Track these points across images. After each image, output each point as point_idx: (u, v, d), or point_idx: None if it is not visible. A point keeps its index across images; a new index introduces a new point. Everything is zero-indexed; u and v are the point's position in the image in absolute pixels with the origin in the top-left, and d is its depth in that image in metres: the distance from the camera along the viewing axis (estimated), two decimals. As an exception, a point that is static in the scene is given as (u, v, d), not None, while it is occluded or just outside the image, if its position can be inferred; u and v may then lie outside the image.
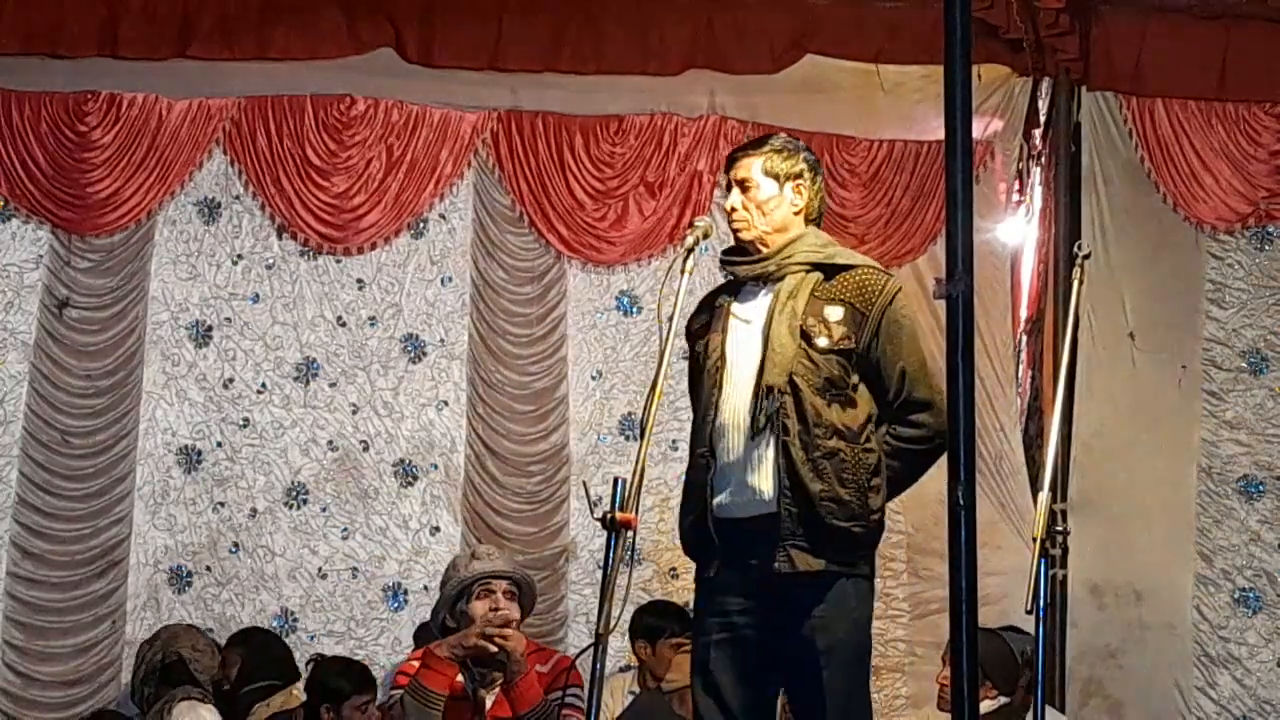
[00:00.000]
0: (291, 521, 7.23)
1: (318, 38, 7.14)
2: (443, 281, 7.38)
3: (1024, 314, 7.50)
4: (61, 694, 6.96)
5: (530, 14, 7.16)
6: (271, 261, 7.32)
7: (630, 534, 3.74)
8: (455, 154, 7.32)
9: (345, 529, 7.24)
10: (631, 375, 7.35)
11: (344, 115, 7.25)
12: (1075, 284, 4.58)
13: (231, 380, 7.26)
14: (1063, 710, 6.75)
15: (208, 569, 7.18)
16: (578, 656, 4.84)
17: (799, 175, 4.15)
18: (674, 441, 7.06)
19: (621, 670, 6.82)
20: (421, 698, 4.54)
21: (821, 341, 3.96)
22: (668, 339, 3.91)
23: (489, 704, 4.64)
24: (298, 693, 6.52)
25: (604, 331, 7.41)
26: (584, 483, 6.93)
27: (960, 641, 2.29)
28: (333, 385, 7.30)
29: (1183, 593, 7.03)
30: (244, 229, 7.32)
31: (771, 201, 4.12)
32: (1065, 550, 6.66)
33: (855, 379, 3.99)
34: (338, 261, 7.34)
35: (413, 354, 7.34)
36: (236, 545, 7.19)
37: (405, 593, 7.21)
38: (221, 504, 7.21)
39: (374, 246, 7.32)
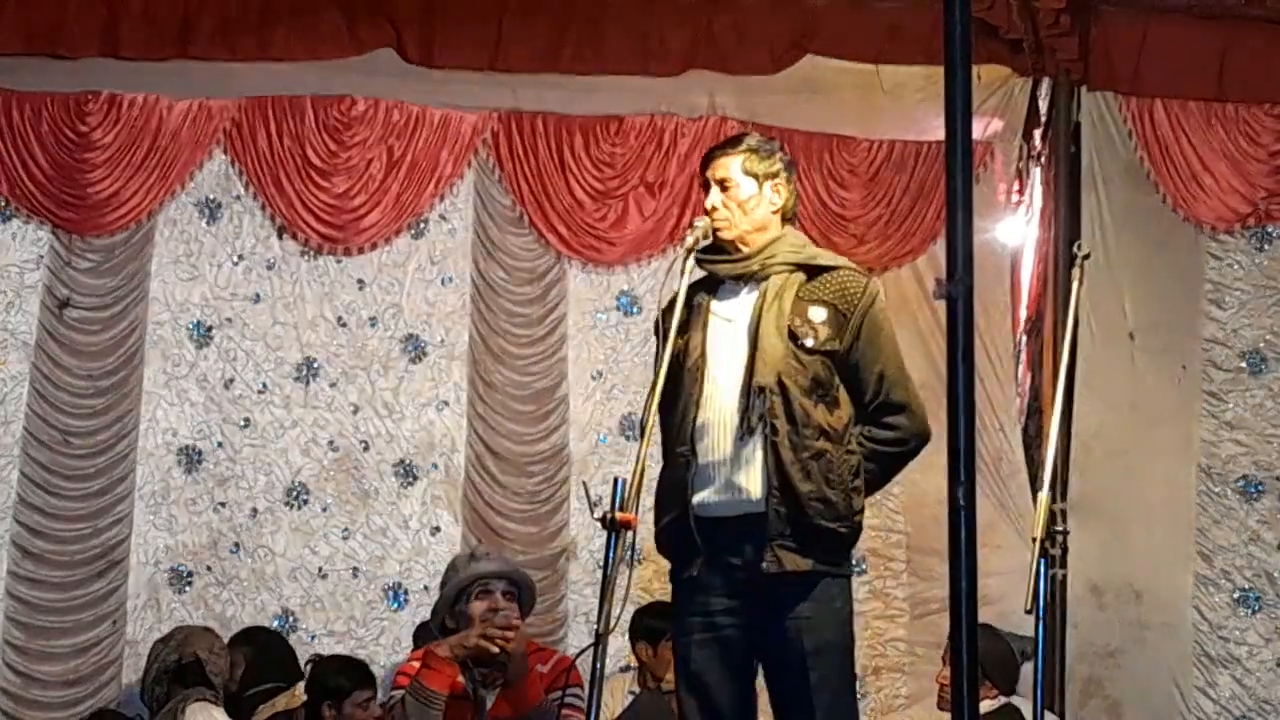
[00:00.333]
0: (292, 521, 7.23)
1: (318, 38, 7.14)
2: (443, 282, 7.38)
3: (1024, 314, 7.50)
4: (62, 694, 6.96)
5: (530, 14, 7.16)
6: (272, 262, 7.32)
7: (630, 534, 3.73)
8: (455, 154, 7.32)
9: (345, 529, 7.24)
10: (632, 375, 7.35)
11: (344, 116, 7.25)
12: (1075, 284, 4.58)
13: (232, 380, 7.26)
14: (1062, 711, 6.75)
15: (208, 569, 7.18)
16: (578, 656, 4.84)
17: (776, 174, 4.17)
18: (674, 441, 7.06)
19: (622, 670, 6.82)
20: (422, 697, 4.54)
21: (809, 342, 3.98)
22: (668, 339, 3.91)
23: (489, 704, 4.64)
24: (300, 693, 6.52)
25: (604, 332, 7.41)
26: (584, 483, 6.93)
27: (960, 641, 2.29)
28: (333, 385, 7.30)
29: (1183, 593, 7.02)
30: (244, 229, 7.32)
31: (752, 200, 4.14)
32: (1065, 550, 6.61)
33: (838, 380, 4.02)
34: (338, 262, 7.34)
35: (413, 354, 7.35)
36: (237, 545, 7.20)
37: (405, 593, 7.22)
38: (222, 504, 7.21)
39: (374, 247, 7.33)
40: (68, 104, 7.11)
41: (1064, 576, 6.80)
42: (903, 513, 7.21)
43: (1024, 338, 7.50)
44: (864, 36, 7.19)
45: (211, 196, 7.30)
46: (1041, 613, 4.09)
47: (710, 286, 4.14)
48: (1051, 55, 7.18)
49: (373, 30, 7.14)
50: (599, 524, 3.71)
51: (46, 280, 7.13)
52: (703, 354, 4.05)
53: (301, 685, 6.40)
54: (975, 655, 2.31)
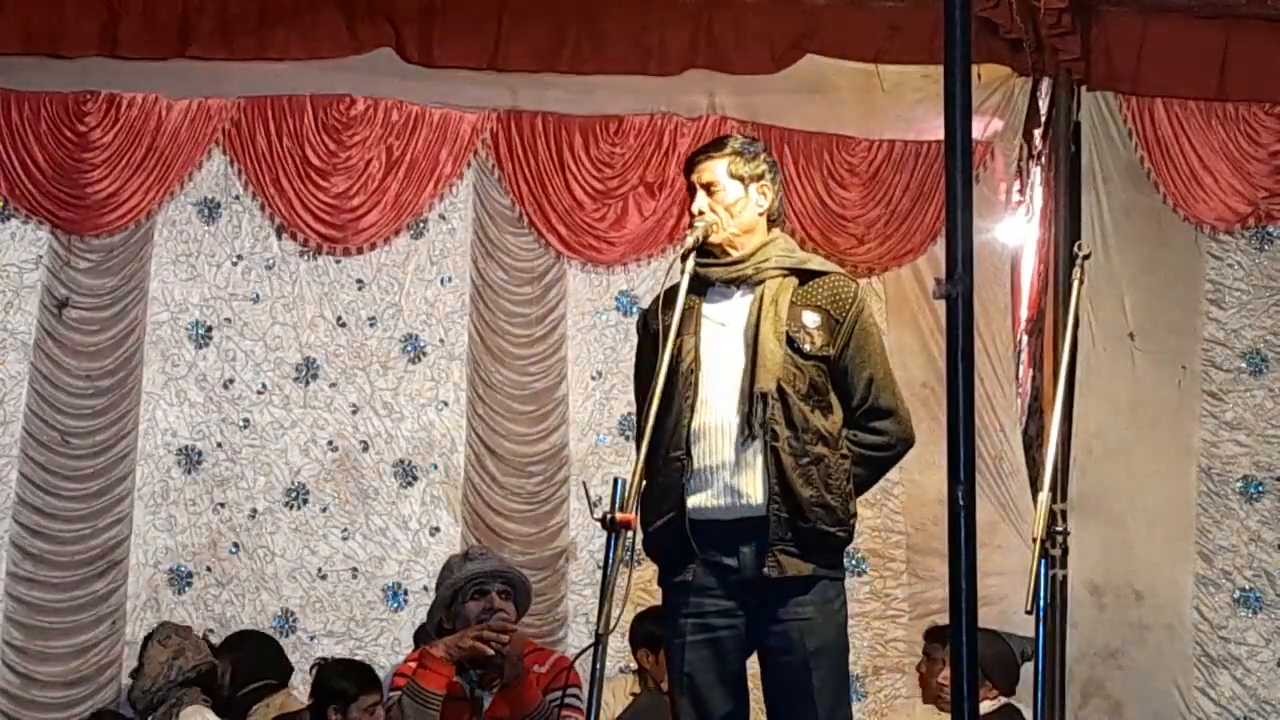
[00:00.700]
0: (291, 522, 7.23)
1: (318, 38, 7.14)
2: (442, 282, 7.38)
3: (1024, 314, 7.50)
4: (61, 694, 6.96)
5: (530, 14, 7.16)
6: (271, 262, 7.32)
7: (630, 534, 3.73)
8: (455, 154, 7.32)
9: (345, 529, 7.24)
10: (632, 376, 7.33)
11: (344, 115, 7.25)
12: (1075, 284, 4.58)
13: (231, 381, 7.26)
14: (1063, 711, 6.74)
15: (208, 569, 7.18)
16: (577, 657, 4.84)
17: (761, 176, 4.16)
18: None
19: (622, 671, 6.82)
20: (419, 698, 4.54)
21: (806, 347, 3.98)
22: (668, 340, 3.91)
23: (487, 705, 4.63)
24: (296, 691, 6.52)
25: (604, 332, 7.41)
26: (584, 483, 6.93)
27: (960, 641, 2.29)
28: (333, 385, 7.30)
29: (1183, 593, 7.02)
30: (244, 229, 7.32)
31: (739, 204, 4.13)
32: (1065, 550, 6.60)
33: (830, 385, 4.03)
34: (337, 262, 7.34)
35: (413, 354, 7.34)
36: (236, 546, 7.19)
37: (405, 593, 7.21)
38: (221, 504, 7.21)
39: (374, 247, 7.32)
40: (67, 104, 7.11)
41: (1064, 577, 6.79)
42: (903, 513, 7.21)
43: (1024, 338, 7.50)
44: (864, 36, 7.18)
45: (210, 196, 7.30)
46: (1042, 613, 4.09)
47: (699, 289, 4.13)
48: (1052, 55, 7.18)
49: (372, 30, 7.13)
50: (599, 524, 3.71)
51: (45, 280, 7.13)
52: (696, 358, 4.04)
53: (297, 685, 6.41)
54: (975, 655, 2.31)
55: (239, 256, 7.32)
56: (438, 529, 7.26)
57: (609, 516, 3.70)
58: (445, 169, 7.31)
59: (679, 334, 4.01)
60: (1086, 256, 4.61)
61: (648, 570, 7.22)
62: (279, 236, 7.31)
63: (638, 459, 3.81)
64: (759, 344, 3.98)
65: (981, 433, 6.99)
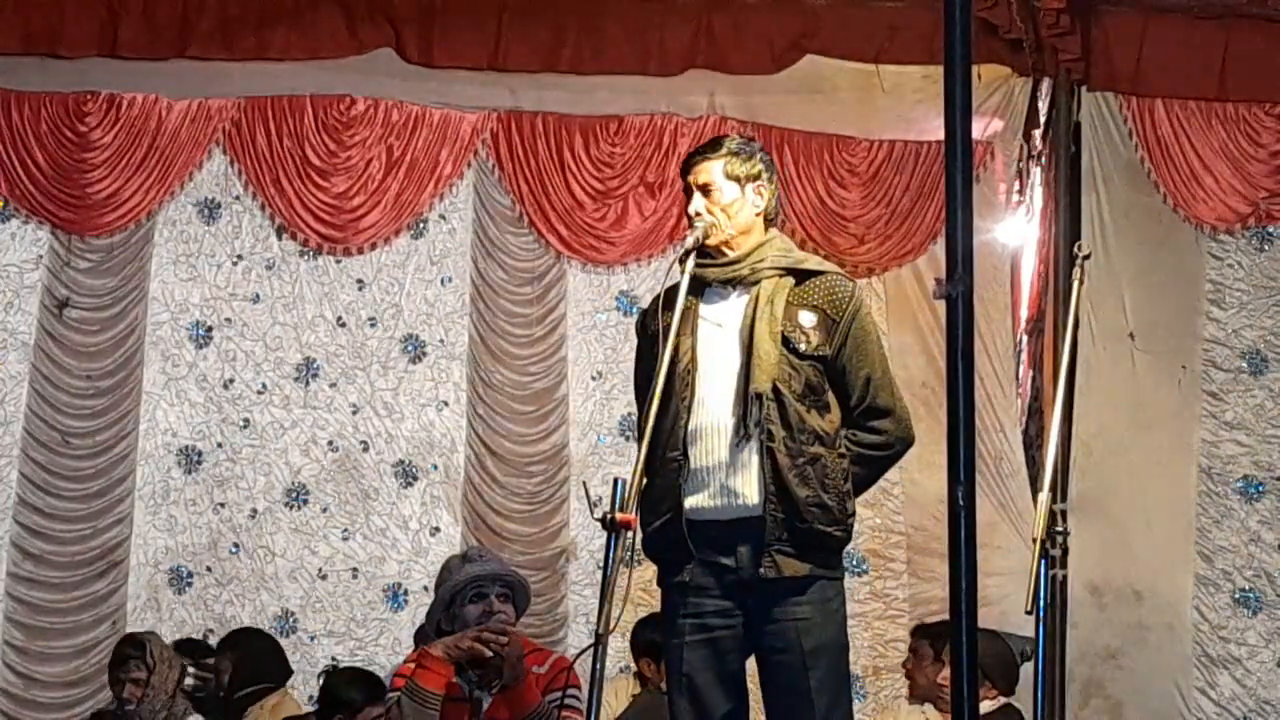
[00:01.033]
0: (292, 522, 7.23)
1: (318, 38, 7.15)
2: (443, 282, 7.38)
3: (1024, 314, 7.51)
4: (62, 694, 6.97)
5: (530, 14, 7.17)
6: (271, 262, 7.32)
7: (630, 534, 3.73)
8: (455, 154, 7.32)
9: (345, 529, 7.24)
10: (631, 376, 7.33)
11: (344, 115, 7.25)
12: (1075, 284, 4.57)
13: (231, 381, 7.26)
14: (1063, 712, 6.74)
15: (208, 569, 7.18)
16: (577, 657, 4.84)
17: (758, 176, 4.15)
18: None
19: (622, 671, 6.82)
20: (418, 698, 4.53)
21: (801, 347, 3.98)
22: (668, 340, 3.91)
23: (486, 705, 4.63)
24: (293, 692, 6.51)
25: (604, 331, 7.41)
26: (584, 483, 6.92)
27: (960, 641, 2.29)
28: (333, 385, 7.30)
29: (1183, 593, 7.02)
30: (244, 229, 7.32)
31: (735, 204, 4.11)
32: (1065, 551, 6.61)
33: (828, 384, 4.02)
34: (338, 262, 7.34)
35: (413, 354, 7.34)
36: (237, 546, 7.20)
37: (405, 593, 7.22)
38: (222, 504, 7.21)
39: (374, 247, 7.33)
40: (67, 104, 7.12)
41: (1064, 577, 6.79)
42: (903, 513, 7.21)
43: (1024, 338, 7.50)
44: (864, 36, 7.19)
45: (211, 196, 7.31)
46: (1042, 613, 4.09)
47: (696, 290, 4.12)
48: (1052, 55, 7.18)
49: (372, 30, 7.14)
50: (599, 524, 3.71)
51: (46, 280, 7.13)
52: (693, 358, 4.04)
53: (292, 683, 6.41)
54: (975, 655, 2.30)
55: (239, 256, 7.32)
56: (438, 529, 7.27)
57: (609, 516, 3.69)
58: (445, 169, 7.32)
59: (677, 335, 4.01)
60: (1086, 256, 4.60)
61: (648, 570, 7.22)
62: (279, 236, 7.31)
63: (638, 459, 3.81)
64: (754, 344, 3.97)
65: (981, 433, 6.99)
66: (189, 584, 7.16)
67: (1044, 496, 4.22)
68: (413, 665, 4.67)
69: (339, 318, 7.33)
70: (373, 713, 5.51)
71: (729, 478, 3.96)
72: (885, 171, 7.35)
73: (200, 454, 7.22)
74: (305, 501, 7.23)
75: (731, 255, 4.10)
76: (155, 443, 7.19)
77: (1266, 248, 7.20)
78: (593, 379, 7.38)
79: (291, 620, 7.15)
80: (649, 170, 7.33)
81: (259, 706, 6.30)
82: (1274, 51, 7.10)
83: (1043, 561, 4.08)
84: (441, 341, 7.36)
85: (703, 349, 4.05)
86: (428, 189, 7.32)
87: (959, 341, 2.27)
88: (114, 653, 6.11)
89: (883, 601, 7.25)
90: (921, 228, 7.32)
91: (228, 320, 7.28)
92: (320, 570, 7.20)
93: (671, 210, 7.29)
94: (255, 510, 7.22)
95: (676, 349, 3.99)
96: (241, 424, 7.24)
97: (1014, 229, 7.43)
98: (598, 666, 3.65)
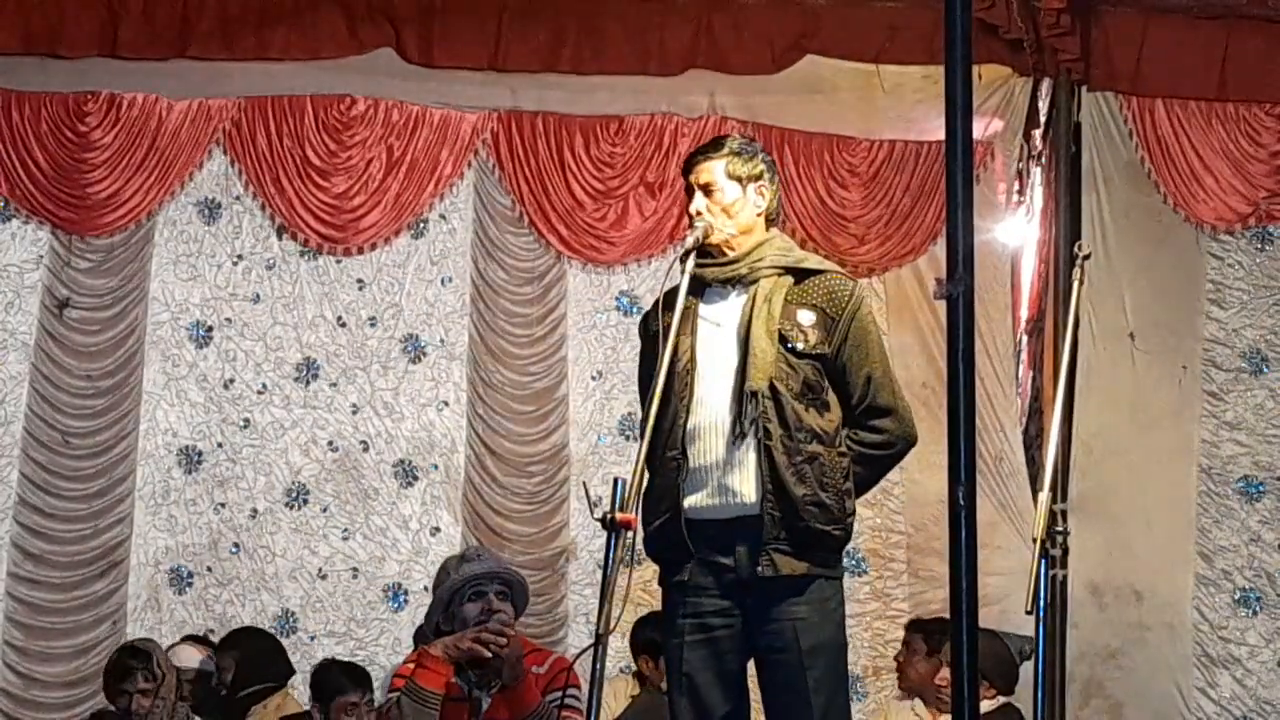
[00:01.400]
0: (292, 522, 7.23)
1: (318, 38, 7.15)
2: (443, 281, 7.38)
3: (1024, 314, 7.51)
4: (62, 695, 6.97)
5: (530, 14, 7.17)
6: (272, 262, 7.32)
7: (630, 534, 3.73)
8: (455, 154, 7.32)
9: (345, 529, 7.24)
10: (632, 375, 7.29)
11: (344, 115, 7.25)
12: (1075, 284, 4.57)
13: (232, 381, 7.26)
14: (1063, 712, 6.75)
15: (208, 569, 7.18)
16: (577, 657, 4.84)
17: (759, 176, 4.15)
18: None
19: (622, 671, 6.82)
20: (418, 697, 4.53)
21: (799, 346, 3.98)
22: (668, 340, 3.91)
23: (485, 706, 4.63)
24: (295, 692, 6.51)
25: (604, 331, 7.41)
26: (584, 483, 6.93)
27: (960, 641, 2.29)
28: (333, 385, 7.30)
29: (1183, 593, 7.02)
30: (244, 229, 7.32)
31: (737, 204, 4.11)
32: (1065, 551, 6.65)
33: (827, 383, 4.02)
34: (338, 262, 7.34)
35: (413, 354, 7.35)
36: (237, 546, 7.20)
37: (405, 593, 7.22)
38: (222, 504, 7.21)
39: (374, 247, 7.33)
40: (67, 104, 7.12)
41: (1064, 577, 6.79)
42: (903, 513, 7.21)
43: (1024, 338, 7.50)
44: (864, 36, 7.19)
45: (211, 197, 7.31)
46: (1042, 613, 4.08)
47: (696, 290, 4.12)
48: (1052, 55, 7.18)
49: (372, 30, 7.14)
50: (599, 524, 3.71)
51: (46, 280, 7.13)
52: (692, 358, 4.04)
53: (295, 684, 6.42)
54: (975, 655, 2.31)
55: (239, 256, 7.32)
56: (438, 529, 7.27)
57: (609, 516, 3.69)
58: (445, 169, 7.32)
59: (677, 334, 4.01)
60: (1086, 256, 4.60)
61: (648, 570, 7.23)
62: (279, 236, 7.31)
63: (638, 459, 3.81)
64: (750, 343, 3.98)
65: (981, 433, 6.99)
66: (189, 584, 7.16)
67: (1044, 496, 4.22)
68: (412, 665, 4.67)
69: (339, 318, 7.33)
70: (344, 700, 5.62)
71: (727, 476, 3.96)
72: (885, 171, 7.35)
73: (200, 454, 7.23)
74: (305, 501, 7.24)
75: (731, 255, 4.10)
76: (155, 443, 7.19)
77: (1267, 247, 7.20)
78: (593, 379, 7.38)
79: (291, 620, 7.15)
80: (649, 170, 7.33)
81: (262, 706, 6.31)
82: (1274, 51, 7.11)
83: (1043, 561, 4.08)
84: (441, 341, 7.36)
85: (702, 348, 4.05)
86: (428, 189, 7.32)
87: (959, 341, 2.27)
88: (113, 664, 6.07)
89: (882, 601, 7.25)
90: (922, 228, 7.32)
91: (228, 320, 7.28)
92: (320, 570, 7.21)
93: (672, 210, 7.29)
94: (255, 510, 7.22)
95: (676, 348, 3.99)
96: (242, 424, 7.24)
97: (1014, 229, 7.43)
98: (598, 666, 3.65)
